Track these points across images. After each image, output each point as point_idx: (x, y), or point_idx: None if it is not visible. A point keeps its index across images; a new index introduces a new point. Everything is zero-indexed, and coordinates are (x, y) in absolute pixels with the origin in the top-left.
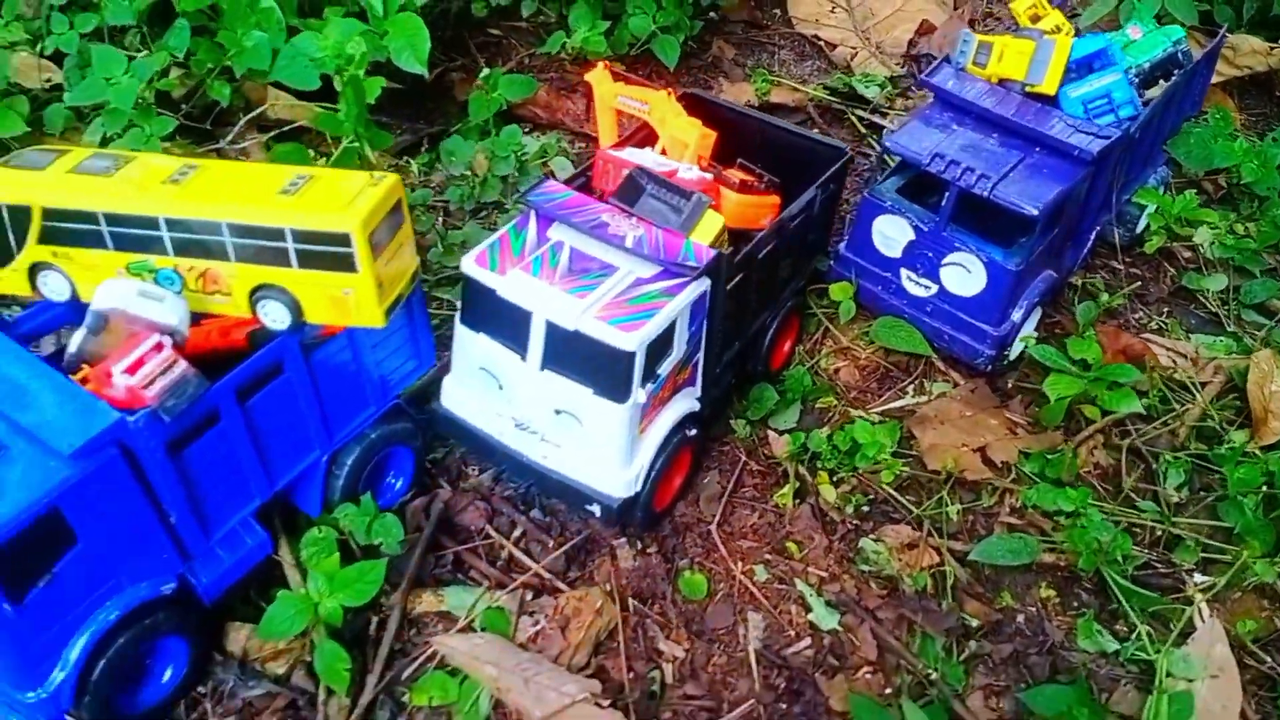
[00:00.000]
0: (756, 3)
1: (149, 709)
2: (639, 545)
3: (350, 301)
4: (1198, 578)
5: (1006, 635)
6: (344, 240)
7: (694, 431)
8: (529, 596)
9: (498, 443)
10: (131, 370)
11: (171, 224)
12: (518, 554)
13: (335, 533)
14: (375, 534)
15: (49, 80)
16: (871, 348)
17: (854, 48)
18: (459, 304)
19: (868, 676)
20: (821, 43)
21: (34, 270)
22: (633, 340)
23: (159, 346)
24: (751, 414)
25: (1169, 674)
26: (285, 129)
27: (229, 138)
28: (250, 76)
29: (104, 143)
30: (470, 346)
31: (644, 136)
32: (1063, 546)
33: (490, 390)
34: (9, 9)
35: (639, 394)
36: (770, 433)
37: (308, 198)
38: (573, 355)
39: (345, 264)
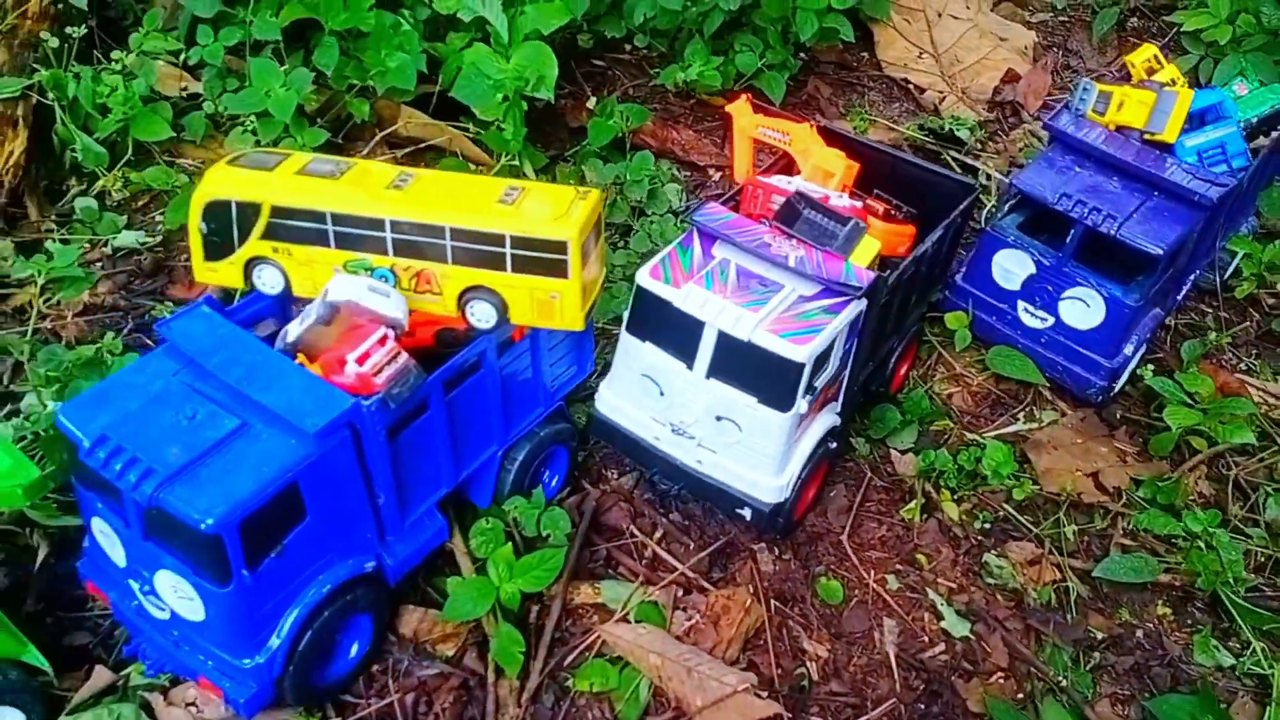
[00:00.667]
0: (845, 46)
1: (335, 682)
2: (776, 551)
3: (555, 305)
4: None
5: (1128, 648)
6: (560, 248)
7: (834, 445)
8: (679, 593)
9: (652, 446)
10: (362, 359)
11: (395, 225)
12: (662, 553)
13: (502, 524)
14: (545, 526)
15: (185, 89)
16: (983, 375)
17: (941, 92)
18: (626, 314)
19: (1000, 681)
20: (910, 85)
21: (250, 264)
22: (803, 353)
23: (384, 339)
24: (873, 433)
25: None
26: (414, 147)
27: (363, 152)
28: (389, 95)
29: None
30: (635, 354)
31: (782, 167)
32: (1179, 567)
33: (650, 396)
34: (149, 20)
35: (801, 404)
36: (893, 451)
37: (524, 207)
38: (741, 365)
39: (557, 270)
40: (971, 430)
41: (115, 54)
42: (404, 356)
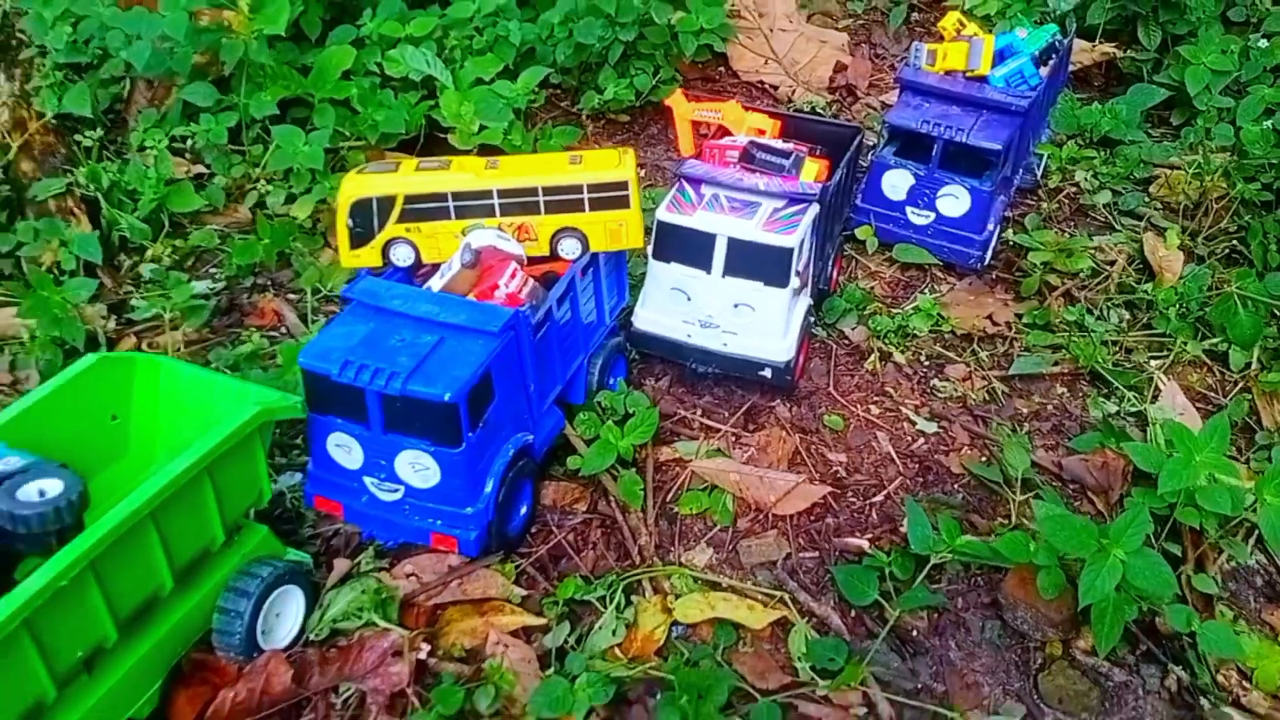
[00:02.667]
0: (705, 63)
1: (513, 535)
2: (788, 405)
3: (622, 231)
4: (1153, 362)
5: (1045, 416)
6: (624, 186)
7: (813, 320)
8: (731, 440)
9: (686, 342)
10: (508, 284)
11: (502, 193)
12: (708, 422)
13: (596, 413)
14: (630, 405)
15: (189, 172)
16: (891, 267)
17: (791, 86)
18: (650, 248)
19: (968, 452)
20: (765, 85)
21: (387, 245)
22: (791, 240)
23: (515, 271)
24: (827, 319)
25: (1154, 417)
26: None
27: None
28: (380, 143)
29: (289, 200)
30: (663, 274)
31: (715, 139)
32: (1065, 358)
33: (679, 304)
34: (144, 120)
35: (794, 281)
36: (845, 330)
37: (589, 165)
38: (748, 260)
39: (622, 203)
40: (895, 306)
41: (133, 143)
42: (532, 281)
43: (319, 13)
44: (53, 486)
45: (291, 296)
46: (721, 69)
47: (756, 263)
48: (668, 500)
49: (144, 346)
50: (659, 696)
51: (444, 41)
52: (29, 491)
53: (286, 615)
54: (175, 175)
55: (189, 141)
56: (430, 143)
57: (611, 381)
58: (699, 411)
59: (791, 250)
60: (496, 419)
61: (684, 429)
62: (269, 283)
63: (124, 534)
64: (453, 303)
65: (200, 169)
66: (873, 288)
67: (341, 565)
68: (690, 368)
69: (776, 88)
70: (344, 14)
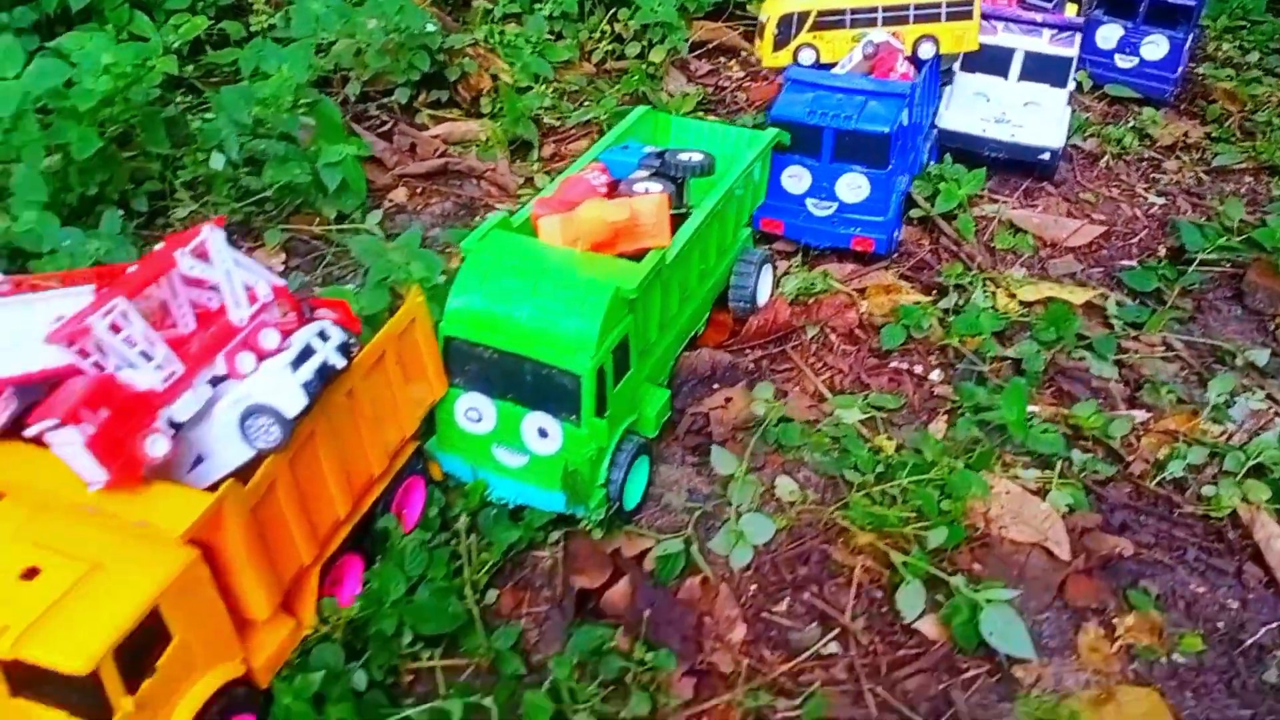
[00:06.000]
0: None
1: (896, 247)
2: (1053, 186)
3: (966, 34)
4: None
5: (1240, 196)
6: (969, 1)
7: None
8: (1016, 207)
9: (981, 135)
10: (899, 69)
11: (885, 9)
12: (997, 196)
13: (928, 180)
14: (951, 175)
15: None
16: (1101, 101)
17: None
18: (957, 62)
19: (1191, 215)
20: None
21: (798, 49)
22: (1072, 51)
23: (903, 61)
24: None
25: None
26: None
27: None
28: None
29: None
30: (967, 83)
31: None
32: (1252, 156)
33: (979, 105)
34: None
35: (1071, 83)
36: (1076, 142)
37: None
38: (1038, 68)
39: (967, 16)
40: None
41: None
42: (910, 66)
43: None
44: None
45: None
46: None
47: (1045, 69)
48: (987, 239)
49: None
50: (1029, 333)
51: None
52: (683, 156)
53: (765, 284)
54: None
55: None
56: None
57: (931, 160)
58: (988, 186)
59: (1072, 59)
60: (900, 153)
61: (985, 200)
62: None
63: (713, 215)
64: (868, 80)
65: None
66: (1088, 116)
67: (783, 265)
68: (984, 155)
69: None
70: None
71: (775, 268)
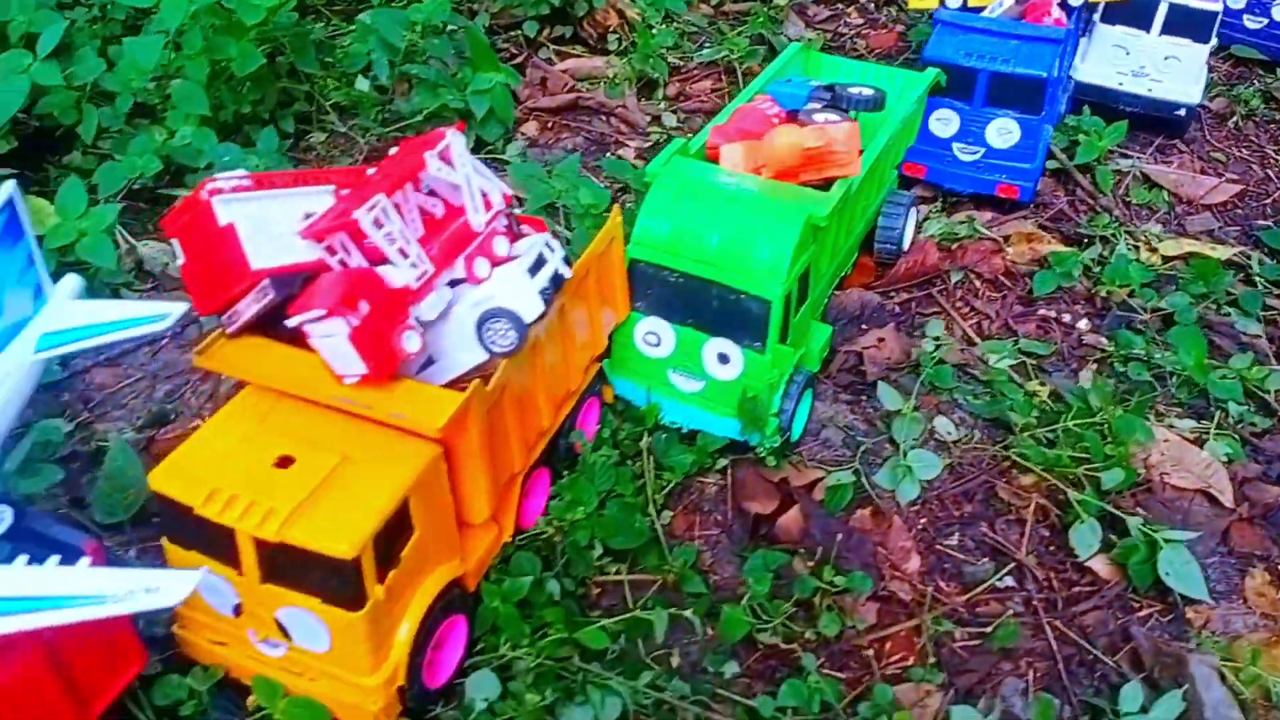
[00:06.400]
0: None
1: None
2: (1185, 144)
3: None
4: None
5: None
6: None
7: None
8: (1149, 163)
9: (1117, 89)
10: (1051, 14)
11: None
12: (1128, 152)
13: (1065, 132)
14: (1089, 126)
15: None
16: (1226, 63)
17: None
18: (1098, 13)
19: None
20: None
21: None
22: (1218, 5)
23: (1055, 8)
24: None
25: None
26: None
27: None
28: None
29: None
30: (1106, 35)
31: None
32: None
33: (1118, 58)
34: None
35: (1214, 40)
36: (1204, 103)
37: None
38: (1181, 21)
39: None
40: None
41: None
42: (1061, 13)
43: None
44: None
45: None
46: None
47: (1189, 23)
48: (1122, 193)
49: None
50: (1174, 287)
51: None
52: (854, 90)
53: (910, 227)
54: None
55: None
56: None
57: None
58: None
59: (1217, 14)
60: (1051, 100)
61: (1116, 154)
62: None
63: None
64: (1020, 24)
65: None
66: (1213, 76)
67: (920, 210)
68: (1117, 108)
69: None
70: None
71: (918, 211)
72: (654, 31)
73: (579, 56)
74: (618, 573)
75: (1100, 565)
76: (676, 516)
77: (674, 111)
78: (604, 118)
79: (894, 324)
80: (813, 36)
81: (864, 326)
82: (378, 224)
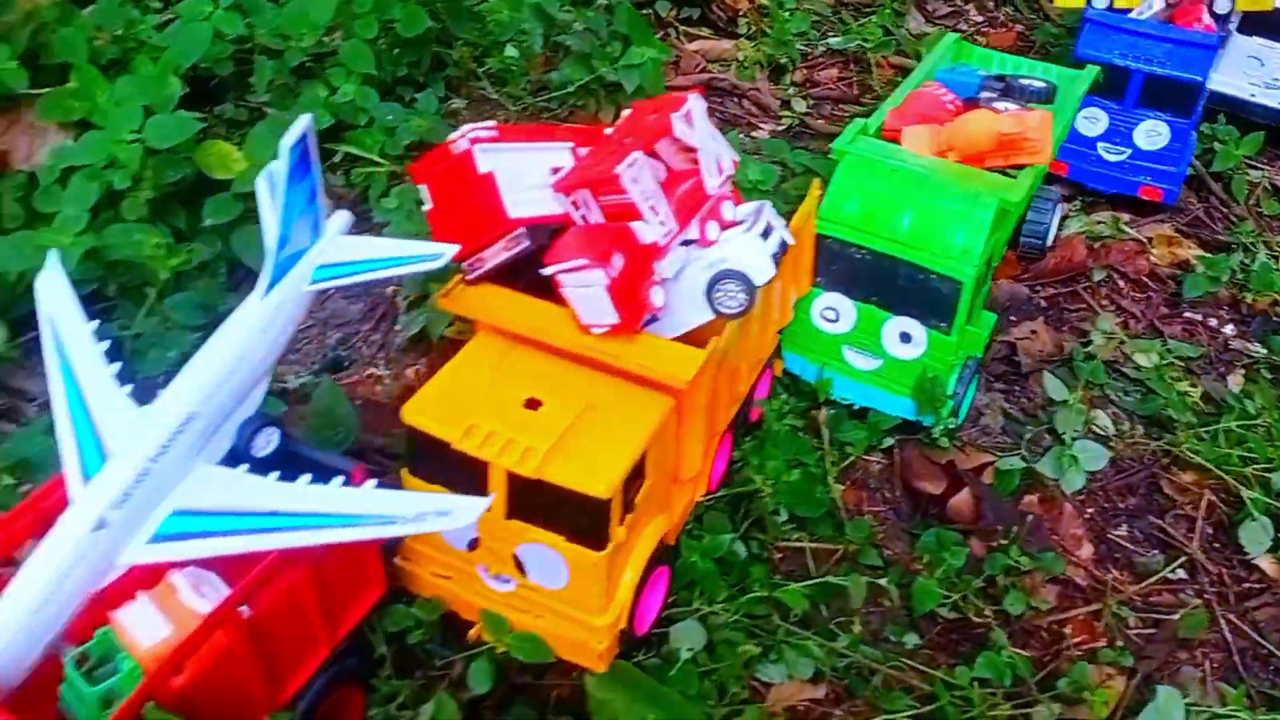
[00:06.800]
0: None
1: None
2: None
3: None
4: None
5: None
6: None
7: None
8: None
9: (1249, 100)
10: (1202, 19)
11: None
12: (1255, 163)
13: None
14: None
15: None
16: None
17: None
18: (1233, 24)
19: None
20: None
21: None
22: None
23: (1206, 13)
24: None
25: None
26: None
27: None
28: None
29: None
30: (1241, 45)
31: None
32: None
33: (1252, 69)
34: None
35: None
36: None
37: None
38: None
39: None
40: None
41: None
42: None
43: None
44: None
45: None
46: None
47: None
48: (1253, 203)
49: None
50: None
51: None
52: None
53: (1055, 222)
54: None
55: None
56: None
57: None
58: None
59: None
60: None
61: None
62: None
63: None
64: (1173, 28)
65: None
66: None
67: (1064, 207)
68: (1247, 119)
69: None
70: None
71: (1062, 208)
72: (787, 16)
73: (706, 39)
74: (799, 540)
75: (1268, 564)
76: (846, 491)
77: (803, 97)
78: (736, 100)
79: (1043, 317)
80: (931, 32)
81: (1013, 318)
82: (635, 180)
